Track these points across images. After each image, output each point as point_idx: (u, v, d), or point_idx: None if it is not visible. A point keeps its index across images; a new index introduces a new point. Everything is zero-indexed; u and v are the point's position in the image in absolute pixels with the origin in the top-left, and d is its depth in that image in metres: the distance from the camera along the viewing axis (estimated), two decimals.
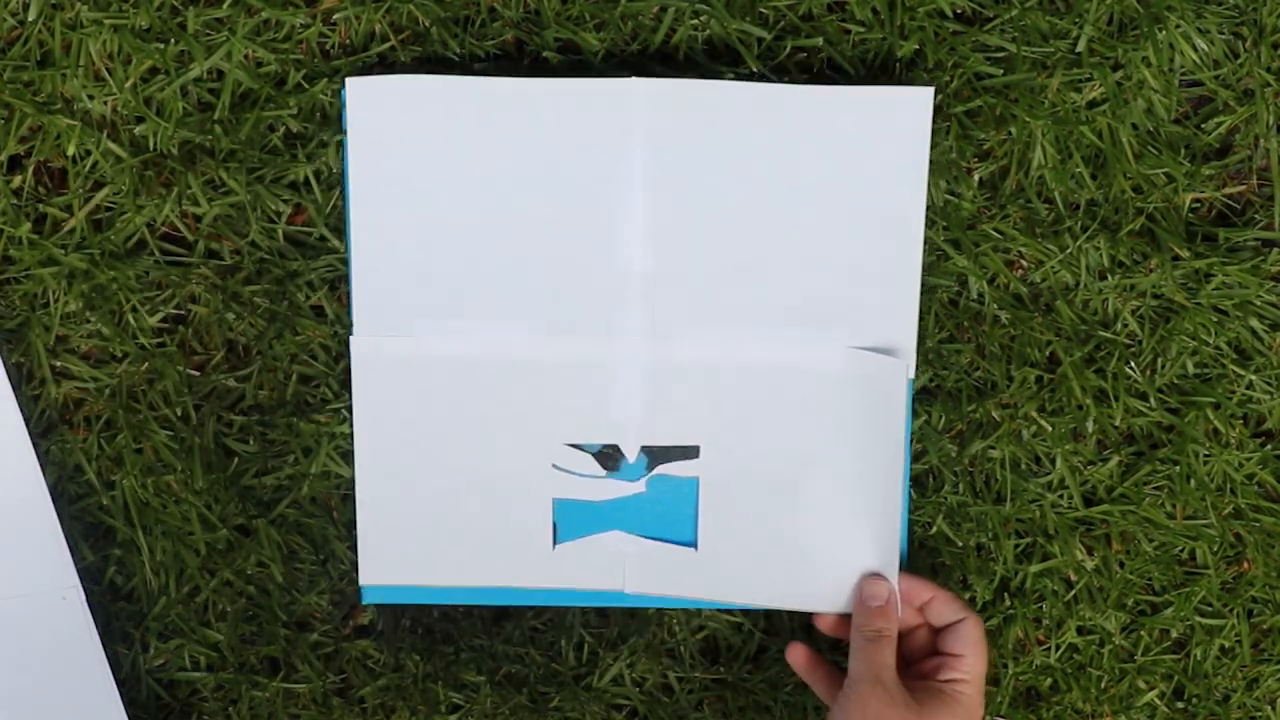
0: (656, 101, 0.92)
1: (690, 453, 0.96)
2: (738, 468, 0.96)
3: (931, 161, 0.95)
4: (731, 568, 0.97)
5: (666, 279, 0.94)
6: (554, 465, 0.96)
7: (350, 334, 0.95)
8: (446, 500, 0.97)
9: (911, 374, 0.95)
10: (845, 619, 0.96)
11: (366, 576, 0.98)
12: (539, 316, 0.94)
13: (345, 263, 0.95)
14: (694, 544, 0.97)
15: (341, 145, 0.93)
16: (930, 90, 0.92)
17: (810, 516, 0.96)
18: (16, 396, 0.96)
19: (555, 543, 0.97)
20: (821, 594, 0.97)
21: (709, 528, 0.97)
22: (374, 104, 0.92)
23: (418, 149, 0.92)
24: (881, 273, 0.94)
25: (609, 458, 0.97)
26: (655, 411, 0.96)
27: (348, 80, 0.92)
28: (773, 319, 0.95)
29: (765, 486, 0.96)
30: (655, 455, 0.97)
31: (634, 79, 0.92)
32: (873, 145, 0.93)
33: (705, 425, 0.96)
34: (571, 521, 0.97)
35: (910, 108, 0.92)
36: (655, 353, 0.95)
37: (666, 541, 0.97)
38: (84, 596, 0.97)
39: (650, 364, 0.95)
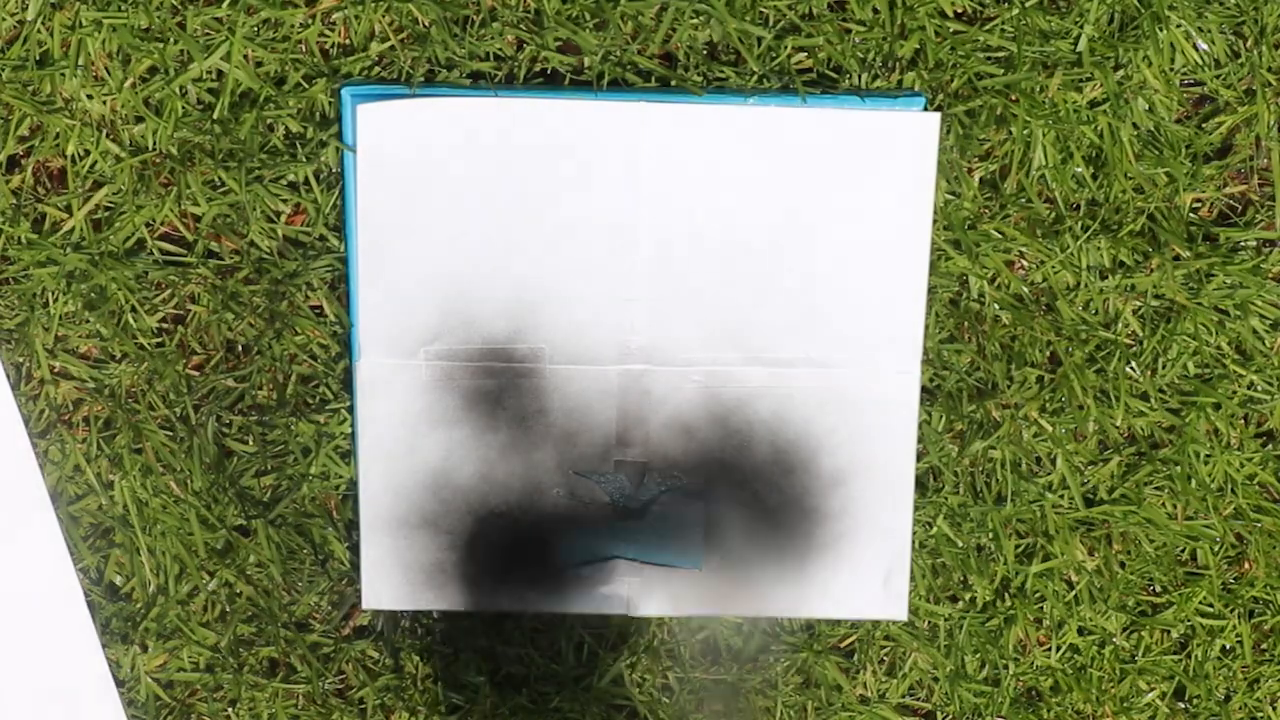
0: (664, 126, 0.92)
1: (695, 479, 0.96)
2: (744, 492, 0.96)
3: None
4: (737, 586, 0.97)
5: (672, 305, 0.94)
6: (558, 491, 0.96)
7: (357, 358, 0.95)
8: (450, 525, 0.97)
9: (917, 391, 0.95)
10: None
11: (369, 600, 0.98)
12: (544, 342, 0.94)
13: (345, 263, 0.95)
14: (699, 567, 0.97)
15: (341, 155, 0.93)
16: (936, 116, 0.92)
17: (819, 532, 0.97)
18: (15, 397, 0.96)
19: (560, 570, 0.97)
20: (830, 602, 0.98)
21: (715, 552, 0.97)
22: (385, 129, 0.92)
23: (427, 171, 0.92)
24: (886, 297, 0.94)
25: (614, 484, 0.96)
26: (661, 436, 0.96)
27: (359, 108, 0.91)
28: (778, 344, 0.95)
29: (772, 509, 0.96)
30: (660, 481, 0.97)
31: (642, 104, 0.92)
32: (876, 170, 0.93)
33: (711, 450, 0.96)
34: (576, 548, 0.97)
35: (914, 133, 0.92)
36: (660, 379, 0.95)
37: (672, 566, 0.97)
38: (84, 596, 0.97)
39: (655, 390, 0.95)
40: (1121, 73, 0.95)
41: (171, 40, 0.93)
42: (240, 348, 0.97)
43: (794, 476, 0.96)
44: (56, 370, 0.97)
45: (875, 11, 0.93)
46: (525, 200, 0.93)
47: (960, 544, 1.00)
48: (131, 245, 0.95)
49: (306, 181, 0.95)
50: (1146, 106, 0.96)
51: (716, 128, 0.92)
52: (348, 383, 0.97)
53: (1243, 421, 1.00)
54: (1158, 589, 1.02)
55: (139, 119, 0.94)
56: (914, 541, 1.00)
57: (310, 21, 0.93)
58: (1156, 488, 1.01)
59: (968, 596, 1.01)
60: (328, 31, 0.93)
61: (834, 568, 0.98)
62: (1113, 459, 1.00)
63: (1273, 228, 0.98)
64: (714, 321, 0.94)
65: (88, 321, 0.96)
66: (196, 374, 0.98)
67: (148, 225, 0.95)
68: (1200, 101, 0.97)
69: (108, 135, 0.94)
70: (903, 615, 0.99)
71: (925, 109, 0.94)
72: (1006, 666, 1.02)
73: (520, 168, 0.93)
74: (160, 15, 0.92)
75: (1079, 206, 0.97)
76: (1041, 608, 1.02)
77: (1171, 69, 0.95)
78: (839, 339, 0.95)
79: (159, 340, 0.97)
